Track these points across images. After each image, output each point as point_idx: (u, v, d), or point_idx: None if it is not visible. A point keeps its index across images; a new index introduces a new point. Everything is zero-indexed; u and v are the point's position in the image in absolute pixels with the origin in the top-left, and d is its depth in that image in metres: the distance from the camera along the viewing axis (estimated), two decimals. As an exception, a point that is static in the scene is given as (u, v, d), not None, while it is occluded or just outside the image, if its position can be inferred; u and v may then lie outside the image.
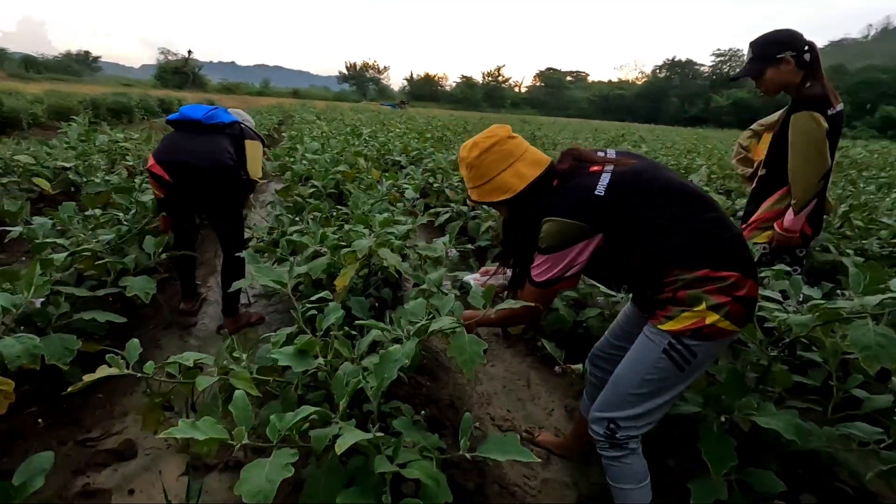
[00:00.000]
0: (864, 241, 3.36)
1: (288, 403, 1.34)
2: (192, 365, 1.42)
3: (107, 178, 4.01)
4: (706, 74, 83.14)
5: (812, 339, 1.73)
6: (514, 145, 1.42)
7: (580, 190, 1.33)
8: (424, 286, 1.83)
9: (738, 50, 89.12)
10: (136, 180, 3.85)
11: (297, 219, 3.16)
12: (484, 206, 4.79)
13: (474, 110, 69.73)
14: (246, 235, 3.00)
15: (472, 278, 1.87)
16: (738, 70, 2.24)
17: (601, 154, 1.43)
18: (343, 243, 2.29)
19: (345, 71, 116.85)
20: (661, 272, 1.32)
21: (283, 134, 9.31)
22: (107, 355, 1.35)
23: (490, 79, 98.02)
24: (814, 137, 2.04)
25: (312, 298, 1.69)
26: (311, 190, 3.87)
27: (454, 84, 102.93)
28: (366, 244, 1.95)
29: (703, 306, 1.27)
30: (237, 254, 2.56)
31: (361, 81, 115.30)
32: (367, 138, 6.10)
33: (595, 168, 1.36)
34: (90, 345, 1.99)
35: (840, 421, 1.63)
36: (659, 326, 1.34)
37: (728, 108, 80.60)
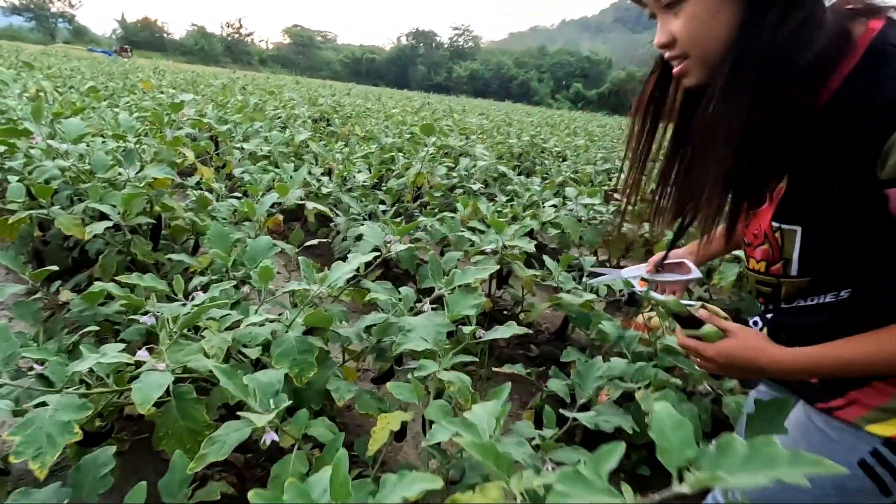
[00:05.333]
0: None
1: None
2: None
3: None
4: (446, 46, 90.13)
5: None
6: None
7: None
8: None
9: (469, 26, 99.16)
10: None
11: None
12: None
13: (214, 64, 60.75)
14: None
15: (633, 277, 1.12)
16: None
17: None
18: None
19: (14, 1, 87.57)
20: None
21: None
22: None
23: (232, 30, 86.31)
24: None
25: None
26: (105, 226, 1.84)
27: (185, 33, 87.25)
28: None
29: None
30: None
31: (43, 17, 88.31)
32: (160, 104, 3.42)
33: None
34: None
35: None
36: (850, 421, 0.77)
37: (466, 78, 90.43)
